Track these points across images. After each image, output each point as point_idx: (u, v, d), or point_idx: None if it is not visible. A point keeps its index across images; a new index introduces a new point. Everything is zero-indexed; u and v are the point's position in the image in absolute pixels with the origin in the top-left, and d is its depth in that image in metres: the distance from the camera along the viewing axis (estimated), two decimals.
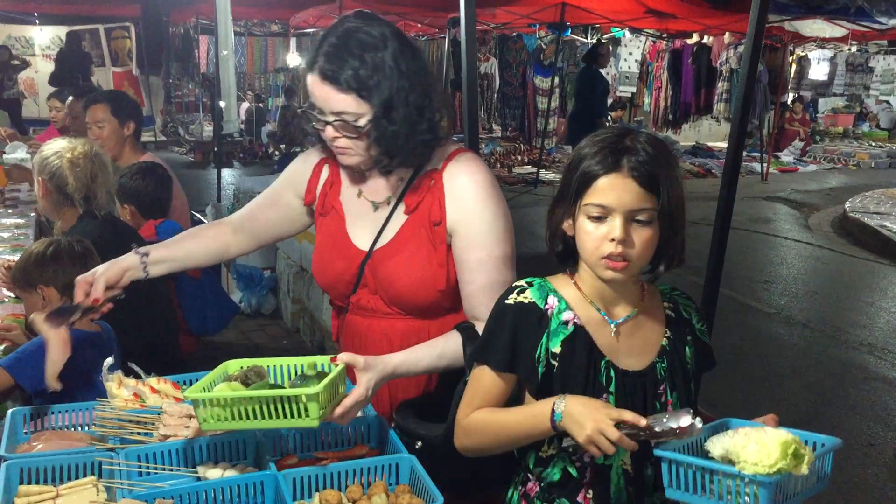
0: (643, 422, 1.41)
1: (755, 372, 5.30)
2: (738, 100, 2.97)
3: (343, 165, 1.97)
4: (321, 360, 1.74)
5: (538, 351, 1.58)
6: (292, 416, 1.57)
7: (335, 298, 2.08)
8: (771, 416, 1.52)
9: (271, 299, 6.07)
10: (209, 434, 1.74)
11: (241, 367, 1.75)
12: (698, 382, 1.70)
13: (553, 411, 1.49)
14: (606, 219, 1.50)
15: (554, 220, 1.62)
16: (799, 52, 15.55)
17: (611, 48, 12.66)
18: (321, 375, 1.66)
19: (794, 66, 15.75)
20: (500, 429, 1.61)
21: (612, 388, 1.58)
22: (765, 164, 13.28)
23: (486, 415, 1.63)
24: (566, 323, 1.59)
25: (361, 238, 1.97)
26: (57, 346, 1.89)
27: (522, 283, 1.65)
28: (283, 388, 1.66)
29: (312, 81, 1.81)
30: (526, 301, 1.61)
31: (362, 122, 1.80)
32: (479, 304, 1.86)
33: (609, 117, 13.36)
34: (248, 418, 1.58)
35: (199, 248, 2.11)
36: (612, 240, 1.50)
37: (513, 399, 1.66)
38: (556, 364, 1.57)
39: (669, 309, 1.69)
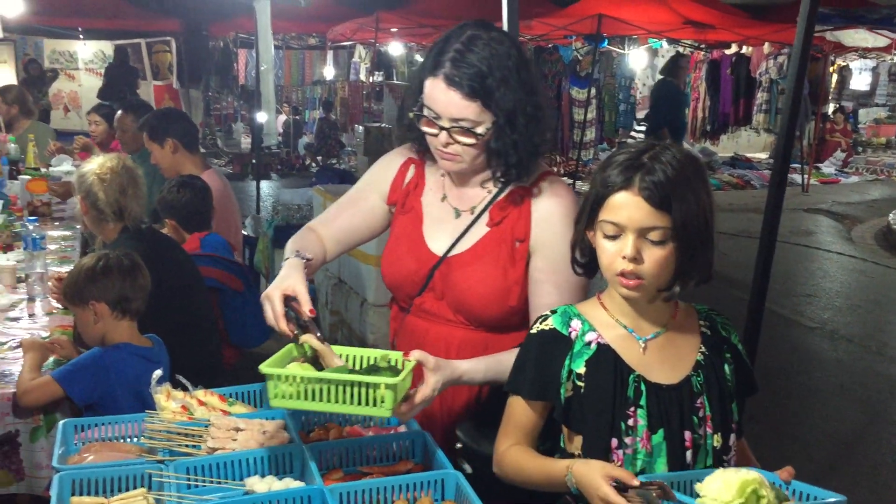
0: (635, 482, 1.40)
1: (799, 387, 5.21)
2: (784, 112, 2.93)
3: (444, 170, 1.95)
4: (393, 355, 1.75)
5: (562, 374, 1.60)
6: (366, 405, 1.58)
7: (399, 298, 2.08)
8: (787, 469, 1.50)
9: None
10: (279, 408, 1.71)
11: (307, 350, 1.75)
12: (742, 405, 1.67)
13: (567, 486, 1.52)
14: (619, 236, 1.52)
15: (577, 230, 1.64)
16: (840, 61, 15.32)
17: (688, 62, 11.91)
18: (393, 369, 1.67)
19: (835, 76, 15.52)
20: (528, 480, 1.65)
21: (642, 402, 1.57)
22: (806, 176, 13.08)
23: (517, 457, 1.66)
24: (589, 343, 1.61)
25: (437, 242, 1.97)
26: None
27: (547, 311, 1.69)
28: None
29: (434, 86, 1.79)
30: (547, 328, 1.65)
31: (480, 129, 1.80)
32: None
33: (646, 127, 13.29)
34: (319, 400, 1.59)
35: (318, 251, 2.04)
36: (624, 257, 1.51)
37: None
38: (582, 385, 1.59)
39: (706, 327, 1.67)
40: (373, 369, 1.68)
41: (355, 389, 1.57)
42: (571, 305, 1.69)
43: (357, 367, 1.75)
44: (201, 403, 1.93)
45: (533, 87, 1.84)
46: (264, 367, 1.59)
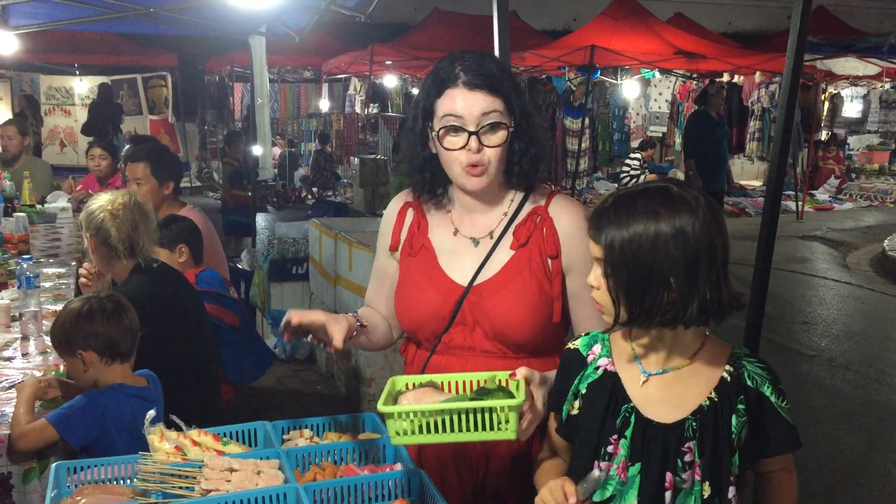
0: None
1: (798, 416, 5.16)
2: (776, 141, 2.95)
3: (470, 189, 1.91)
4: (500, 375, 1.75)
5: (569, 392, 1.68)
6: (490, 429, 1.58)
7: (423, 339, 2.01)
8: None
9: (305, 344, 6.07)
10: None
11: (408, 384, 1.77)
12: (749, 458, 1.62)
13: None
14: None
15: None
16: (832, 89, 15.46)
17: (724, 90, 11.41)
18: (503, 390, 1.67)
19: (826, 104, 15.66)
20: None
21: (627, 433, 1.59)
22: (800, 203, 13.15)
23: (540, 467, 1.78)
24: (598, 368, 1.67)
25: (459, 273, 1.95)
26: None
27: (582, 333, 1.77)
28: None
29: (454, 95, 1.84)
30: (573, 347, 1.73)
31: (505, 125, 1.85)
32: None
33: (640, 156, 13.37)
34: (441, 431, 1.59)
35: (381, 325, 2.10)
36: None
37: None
38: (580, 405, 1.66)
39: (729, 373, 1.60)
40: (483, 392, 1.68)
41: (477, 415, 1.57)
42: (604, 333, 1.71)
43: (466, 392, 1.76)
44: (195, 444, 1.91)
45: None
46: (381, 407, 1.61)
